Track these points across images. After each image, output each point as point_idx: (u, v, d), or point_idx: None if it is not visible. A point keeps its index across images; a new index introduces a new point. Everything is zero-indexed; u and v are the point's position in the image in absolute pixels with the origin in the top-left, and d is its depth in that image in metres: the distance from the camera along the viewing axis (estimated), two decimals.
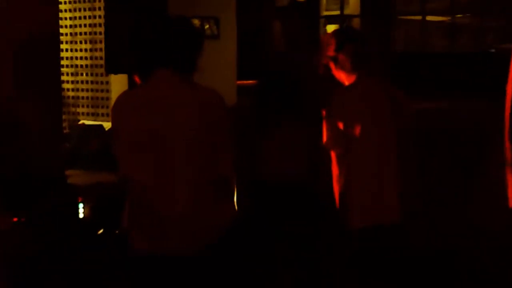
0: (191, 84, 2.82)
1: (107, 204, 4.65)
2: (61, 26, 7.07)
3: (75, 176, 5.59)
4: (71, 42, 7.75)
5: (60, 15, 6.85)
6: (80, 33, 7.66)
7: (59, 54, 5.95)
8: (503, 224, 3.78)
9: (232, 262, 2.92)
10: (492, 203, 3.99)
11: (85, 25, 7.63)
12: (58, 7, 5.60)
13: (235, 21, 8.97)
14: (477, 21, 18.17)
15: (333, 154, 3.67)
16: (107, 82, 7.47)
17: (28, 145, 5.06)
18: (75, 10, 7.70)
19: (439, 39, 18.59)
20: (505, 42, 17.11)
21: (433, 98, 12.26)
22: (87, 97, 7.69)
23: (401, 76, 6.37)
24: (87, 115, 7.64)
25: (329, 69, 3.74)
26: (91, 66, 7.63)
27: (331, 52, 3.69)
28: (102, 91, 7.56)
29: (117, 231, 3.15)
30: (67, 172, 5.51)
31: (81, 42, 7.69)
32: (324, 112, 3.67)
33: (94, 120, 7.42)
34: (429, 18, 18.39)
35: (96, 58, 7.53)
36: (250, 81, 5.17)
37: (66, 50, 7.74)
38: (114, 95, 6.97)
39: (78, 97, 7.73)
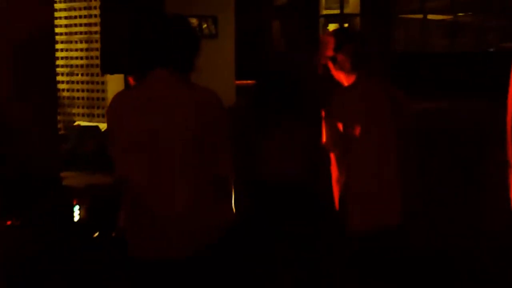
0: (188, 84, 2.80)
1: (103, 206, 4.64)
2: (57, 26, 7.02)
3: (70, 178, 5.58)
4: (66, 42, 7.71)
5: (56, 14, 6.83)
6: (76, 33, 7.62)
7: (55, 54, 5.94)
8: (503, 224, 3.78)
9: (232, 262, 2.90)
10: (492, 203, 3.99)
11: (81, 25, 7.59)
12: (53, 6, 5.60)
13: (234, 20, 8.95)
14: (478, 20, 18.18)
15: (332, 156, 3.65)
16: (103, 82, 7.43)
17: (26, 146, 5.05)
18: (70, 9, 7.66)
19: (440, 38, 18.60)
20: (506, 41, 17.13)
21: (433, 98, 12.27)
22: (83, 98, 7.64)
23: (401, 76, 6.37)
24: (83, 115, 7.59)
25: (328, 69, 3.72)
26: (87, 66, 7.58)
27: (330, 52, 3.66)
28: (98, 91, 7.51)
29: (113, 233, 3.12)
30: (62, 174, 5.50)
31: (76, 42, 7.64)
32: (323, 112, 3.66)
33: (90, 121, 7.39)
34: (429, 16, 18.40)
35: (91, 58, 7.49)
36: (249, 81, 5.16)
37: (62, 50, 7.70)
38: (110, 95, 6.94)
39: (73, 98, 7.69)
